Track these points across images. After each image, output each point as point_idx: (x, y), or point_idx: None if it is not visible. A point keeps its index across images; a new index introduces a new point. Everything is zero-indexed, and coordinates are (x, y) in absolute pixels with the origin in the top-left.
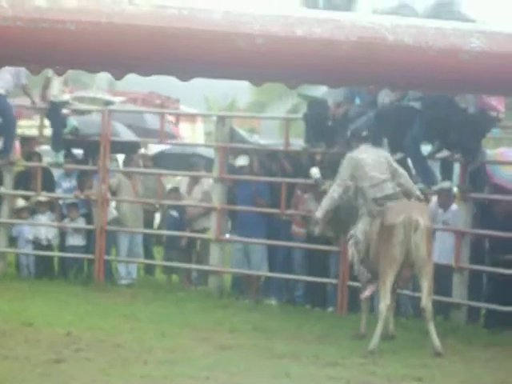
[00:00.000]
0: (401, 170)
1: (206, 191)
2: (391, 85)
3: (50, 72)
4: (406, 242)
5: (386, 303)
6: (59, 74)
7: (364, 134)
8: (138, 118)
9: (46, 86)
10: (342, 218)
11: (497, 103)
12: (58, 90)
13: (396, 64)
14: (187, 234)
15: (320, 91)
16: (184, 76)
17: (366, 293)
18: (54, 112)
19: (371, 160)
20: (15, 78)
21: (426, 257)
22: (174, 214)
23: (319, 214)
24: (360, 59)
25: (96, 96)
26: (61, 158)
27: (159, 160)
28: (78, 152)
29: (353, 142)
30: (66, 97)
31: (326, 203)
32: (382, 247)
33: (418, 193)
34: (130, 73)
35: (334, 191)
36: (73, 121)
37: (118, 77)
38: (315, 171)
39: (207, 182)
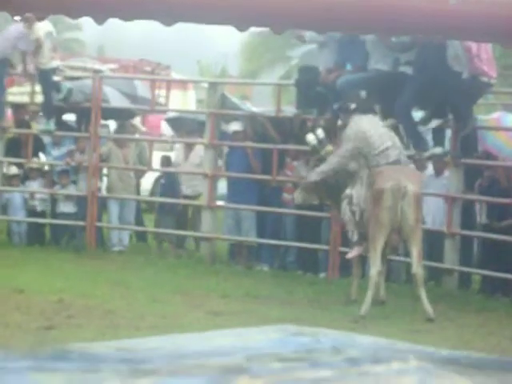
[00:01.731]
0: (396, 139)
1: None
2: (380, 30)
3: (40, 36)
4: (393, 207)
5: (376, 268)
6: (40, 19)
7: (352, 106)
8: (130, 86)
9: (38, 51)
10: (331, 185)
11: (488, 69)
12: (47, 57)
13: (385, 8)
14: (180, 200)
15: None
16: (167, 20)
17: (353, 253)
18: (43, 79)
19: (372, 129)
20: (13, 43)
21: (414, 223)
22: (162, 181)
23: (314, 177)
24: (349, 4)
25: (86, 65)
26: (51, 125)
27: (174, 125)
28: (71, 119)
29: (342, 115)
30: (56, 63)
31: (324, 169)
32: (372, 212)
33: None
34: (112, 17)
35: (333, 158)
36: (66, 84)
37: (100, 21)
38: (312, 138)
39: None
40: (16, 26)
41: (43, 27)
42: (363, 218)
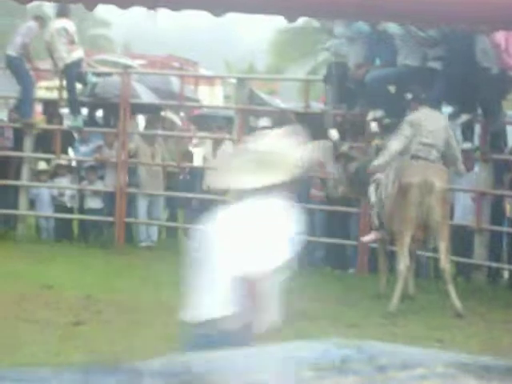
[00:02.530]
0: (454, 142)
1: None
2: (416, 20)
3: (47, 36)
4: (420, 203)
5: (404, 264)
6: (89, 8)
7: (423, 96)
8: (165, 82)
9: (51, 50)
10: (361, 179)
11: None
12: (64, 51)
13: None
14: (207, 195)
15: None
16: (217, 10)
17: (367, 237)
18: (67, 74)
19: (429, 122)
20: (22, 37)
21: (441, 219)
22: (180, 177)
23: (376, 164)
24: None
25: (117, 60)
26: (79, 121)
27: (199, 121)
28: (98, 115)
29: (413, 104)
30: (79, 53)
31: (385, 156)
32: (398, 208)
33: (460, 166)
34: (162, 7)
35: (393, 144)
36: (92, 77)
37: (151, 9)
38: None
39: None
40: (25, 24)
41: (55, 25)
42: (385, 208)
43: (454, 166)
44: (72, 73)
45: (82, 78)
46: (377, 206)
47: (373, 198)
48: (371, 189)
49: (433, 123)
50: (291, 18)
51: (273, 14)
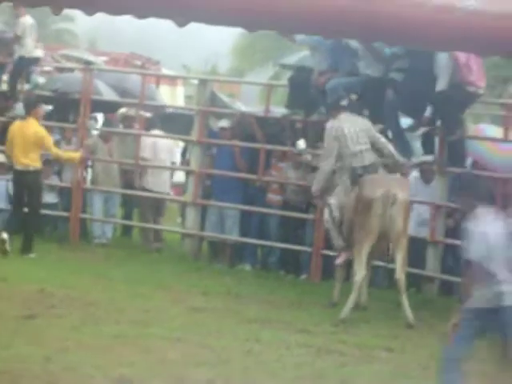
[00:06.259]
0: (382, 139)
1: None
2: (385, 39)
3: (19, 30)
4: (383, 215)
5: (361, 274)
6: (56, 13)
7: (343, 103)
8: (121, 79)
9: (18, 42)
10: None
11: (476, 79)
12: (32, 46)
13: (391, 18)
14: (164, 196)
15: (297, 58)
16: (181, 20)
17: (340, 259)
18: (19, 67)
19: (351, 129)
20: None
21: (402, 230)
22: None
23: (315, 188)
24: (356, 12)
25: (81, 56)
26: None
27: (168, 120)
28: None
29: (332, 111)
30: (39, 53)
31: (319, 177)
32: (359, 219)
33: (401, 160)
34: (127, 14)
35: (325, 164)
36: (36, 77)
37: (116, 14)
38: (301, 143)
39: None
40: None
41: (27, 21)
42: (344, 224)
43: (393, 162)
44: (25, 67)
45: (27, 77)
46: (336, 228)
47: (330, 221)
48: (326, 215)
49: (354, 130)
50: (251, 30)
51: (232, 26)
